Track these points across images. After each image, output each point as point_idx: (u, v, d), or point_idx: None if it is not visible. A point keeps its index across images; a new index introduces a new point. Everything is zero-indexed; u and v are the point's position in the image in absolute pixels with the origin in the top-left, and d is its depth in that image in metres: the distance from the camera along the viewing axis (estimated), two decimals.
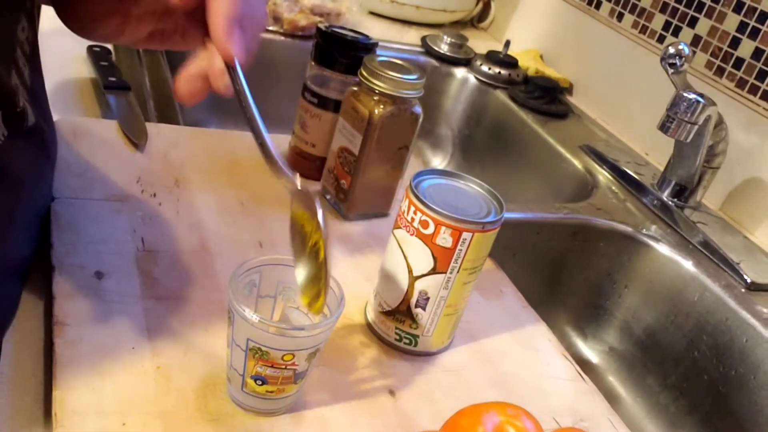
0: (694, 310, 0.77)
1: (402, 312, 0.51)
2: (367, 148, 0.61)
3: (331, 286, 0.43)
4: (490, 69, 1.15)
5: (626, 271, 0.84)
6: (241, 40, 0.39)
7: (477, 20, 1.44)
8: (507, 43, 1.20)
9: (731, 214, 0.88)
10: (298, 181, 0.42)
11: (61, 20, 0.44)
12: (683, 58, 0.79)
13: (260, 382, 0.41)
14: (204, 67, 0.41)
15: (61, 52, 0.81)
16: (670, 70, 0.79)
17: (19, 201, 0.43)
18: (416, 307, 0.50)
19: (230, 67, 0.40)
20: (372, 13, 1.33)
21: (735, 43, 0.90)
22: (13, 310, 0.46)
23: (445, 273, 0.48)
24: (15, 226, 0.44)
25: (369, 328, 0.54)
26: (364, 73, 0.60)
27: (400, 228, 0.49)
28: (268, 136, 0.41)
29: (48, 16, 0.46)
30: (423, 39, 1.23)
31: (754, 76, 0.87)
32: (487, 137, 1.15)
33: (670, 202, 0.87)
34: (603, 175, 0.94)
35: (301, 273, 0.42)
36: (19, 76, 0.40)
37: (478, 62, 1.17)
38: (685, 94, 0.78)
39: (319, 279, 0.40)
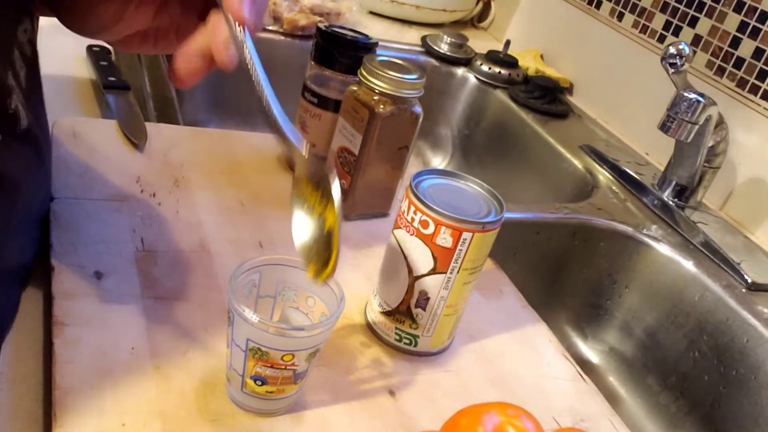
0: (695, 310, 0.77)
1: (402, 312, 0.51)
2: (367, 148, 0.61)
3: (331, 286, 0.43)
4: (490, 69, 1.15)
5: (627, 271, 0.84)
6: (253, 5, 0.39)
7: (477, 20, 1.44)
8: (507, 43, 1.20)
9: (732, 214, 0.88)
10: (306, 148, 0.41)
11: (56, 15, 0.43)
12: (684, 58, 0.79)
13: (260, 383, 0.41)
14: (203, 45, 0.40)
15: (61, 51, 0.81)
16: (671, 70, 0.79)
17: (15, 205, 0.43)
18: (416, 307, 0.50)
19: (236, 38, 0.39)
20: (372, 13, 1.33)
21: (735, 42, 0.89)
22: (12, 315, 0.46)
23: (445, 273, 0.48)
24: (12, 230, 0.43)
25: (369, 328, 0.54)
26: (364, 72, 0.60)
27: (400, 228, 0.49)
28: (276, 103, 0.40)
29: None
30: (423, 39, 1.23)
31: (754, 75, 0.87)
32: (487, 137, 1.15)
33: (670, 202, 0.87)
34: (603, 175, 0.94)
35: (303, 245, 0.41)
36: (14, 77, 0.39)
37: (478, 62, 1.17)
38: (685, 94, 0.78)
39: (329, 247, 0.40)
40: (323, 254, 0.40)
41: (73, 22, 0.43)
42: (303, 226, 0.41)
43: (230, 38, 0.39)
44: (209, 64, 0.41)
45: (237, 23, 0.39)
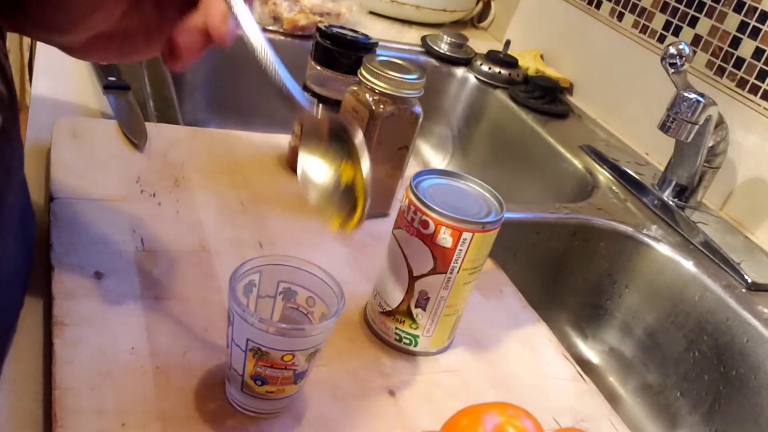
0: (695, 310, 0.77)
1: (402, 312, 0.51)
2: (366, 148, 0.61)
3: (331, 286, 0.43)
4: (490, 69, 1.15)
5: (627, 271, 0.84)
6: None
7: (477, 20, 1.44)
8: (507, 43, 1.20)
9: (732, 214, 0.88)
10: (317, 109, 0.40)
11: (15, 19, 0.41)
12: (684, 58, 0.79)
13: (260, 383, 0.41)
14: (201, 21, 0.39)
15: (61, 51, 0.81)
16: (671, 70, 0.79)
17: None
18: (416, 307, 0.50)
19: (233, 11, 0.38)
20: (372, 13, 1.33)
21: (735, 42, 0.89)
22: (11, 323, 0.45)
23: (445, 273, 0.48)
24: None
25: (369, 328, 0.54)
26: (364, 72, 0.60)
27: (400, 228, 0.49)
28: (282, 66, 0.39)
29: None
30: (423, 39, 1.23)
31: (754, 75, 0.87)
32: (487, 137, 1.15)
33: (670, 202, 0.87)
34: (603, 175, 0.94)
35: (321, 195, 0.40)
36: None
37: (478, 62, 1.17)
38: (685, 94, 0.78)
39: (351, 196, 0.39)
40: (346, 204, 0.39)
41: (41, 16, 0.39)
42: (318, 178, 0.40)
43: (228, 12, 0.38)
44: (206, 41, 0.40)
45: None
